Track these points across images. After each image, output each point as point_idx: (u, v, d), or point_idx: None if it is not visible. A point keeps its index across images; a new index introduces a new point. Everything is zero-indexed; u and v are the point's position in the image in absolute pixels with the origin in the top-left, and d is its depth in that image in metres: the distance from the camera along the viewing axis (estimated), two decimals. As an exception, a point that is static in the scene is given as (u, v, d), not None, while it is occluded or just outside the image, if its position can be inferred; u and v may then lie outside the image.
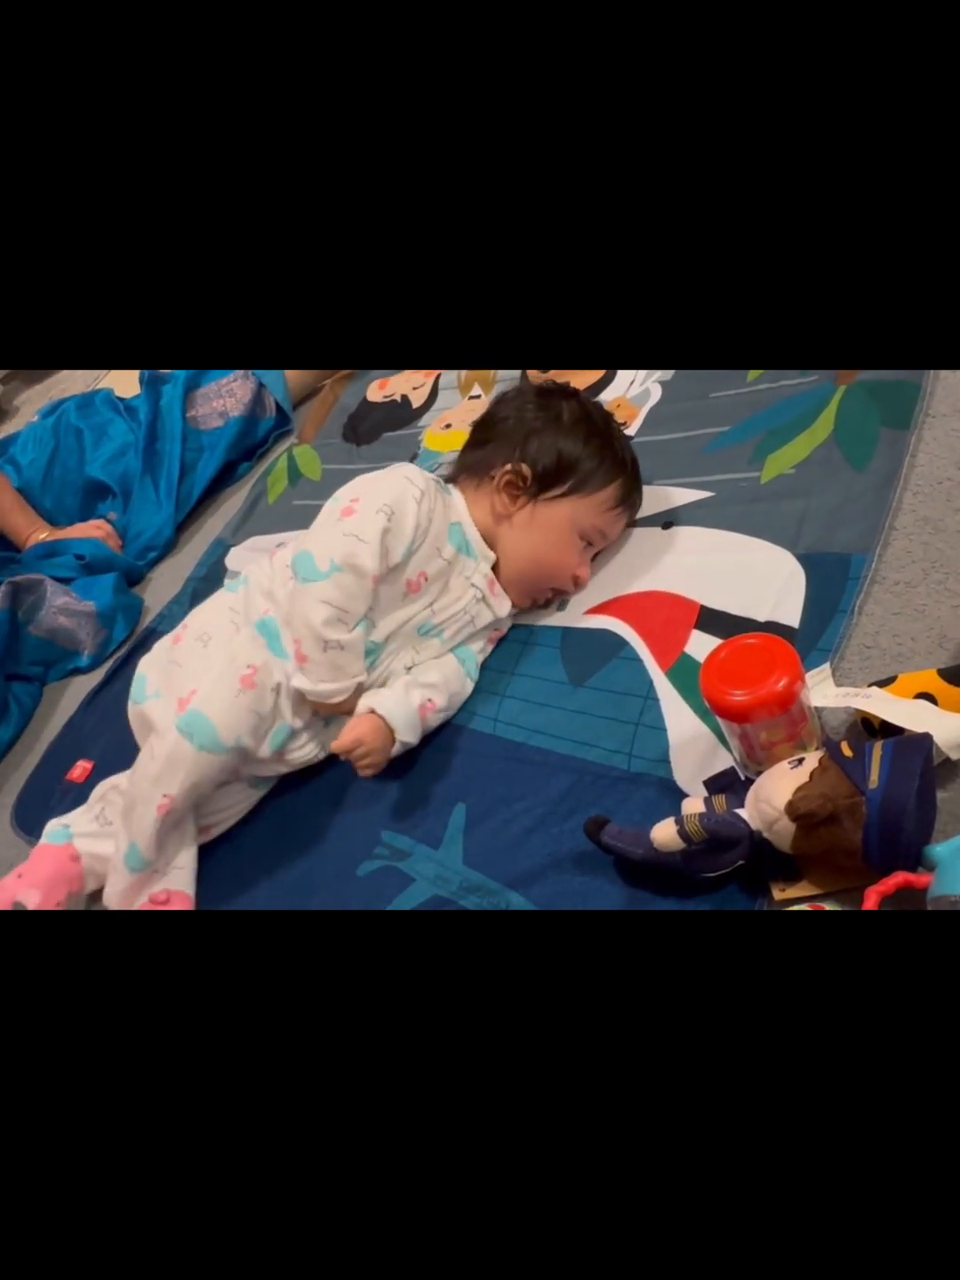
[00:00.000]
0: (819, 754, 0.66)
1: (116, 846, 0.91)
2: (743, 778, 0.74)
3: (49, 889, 0.93)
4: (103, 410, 1.62)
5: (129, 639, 1.40)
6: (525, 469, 0.95)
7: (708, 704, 0.70)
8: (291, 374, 1.61)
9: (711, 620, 0.88)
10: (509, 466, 0.96)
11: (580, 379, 1.26)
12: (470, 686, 0.97)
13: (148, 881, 0.90)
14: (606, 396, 1.22)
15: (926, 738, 0.63)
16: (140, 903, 0.90)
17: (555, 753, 0.87)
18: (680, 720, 0.82)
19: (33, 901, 0.92)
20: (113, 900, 0.91)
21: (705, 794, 0.74)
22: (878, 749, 0.63)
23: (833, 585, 0.84)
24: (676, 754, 0.80)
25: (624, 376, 1.24)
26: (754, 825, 0.66)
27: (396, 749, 0.89)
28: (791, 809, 0.63)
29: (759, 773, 0.70)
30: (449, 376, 1.46)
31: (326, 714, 0.94)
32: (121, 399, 1.63)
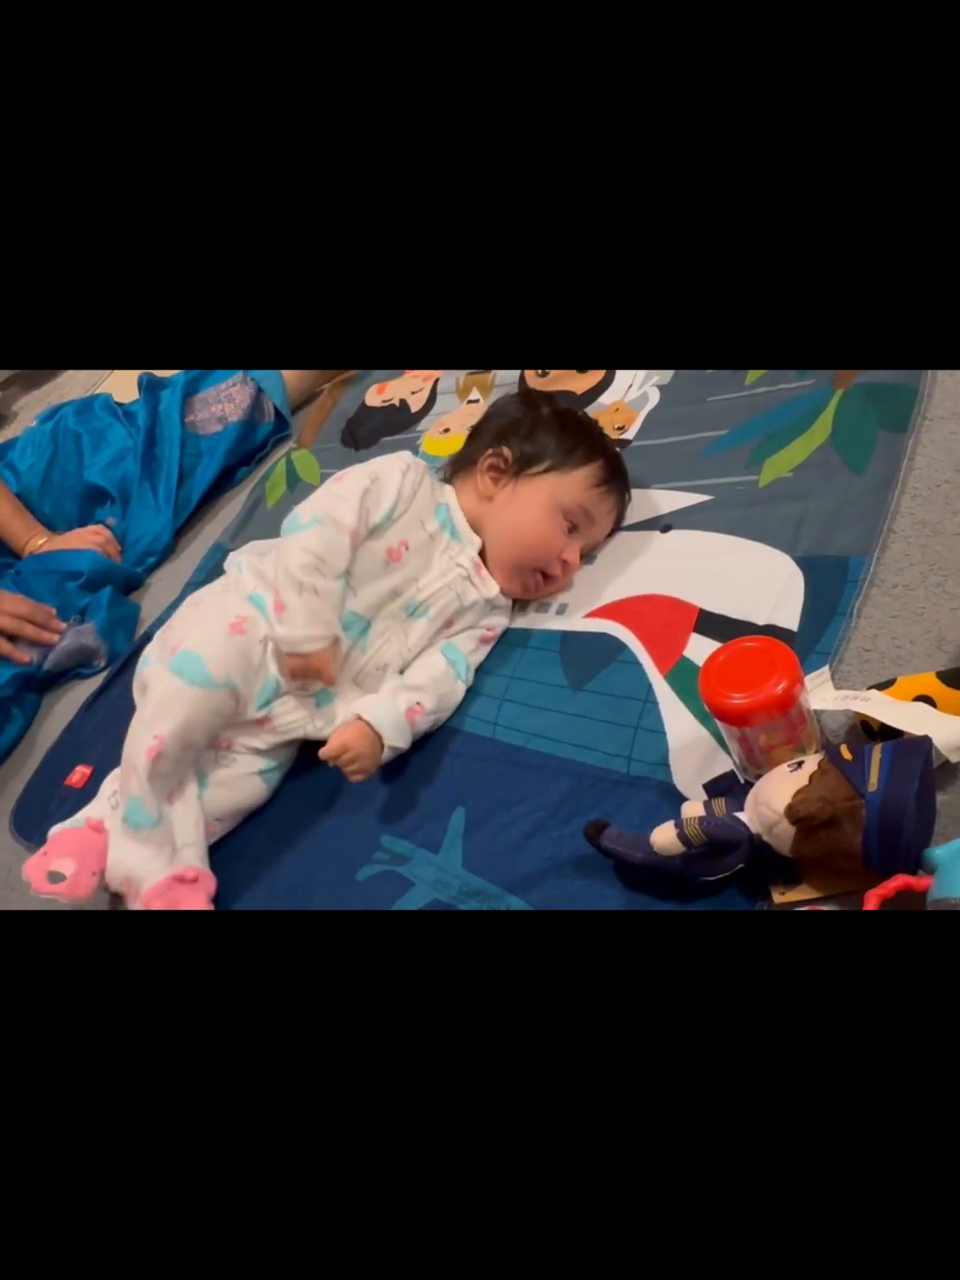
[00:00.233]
0: (818, 757, 0.66)
1: (117, 812, 0.89)
2: (742, 781, 0.74)
3: (81, 858, 0.90)
4: (101, 415, 1.61)
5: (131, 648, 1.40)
6: (507, 451, 1.00)
7: (707, 707, 0.70)
8: (290, 379, 1.61)
9: (710, 623, 0.88)
10: (491, 451, 1.01)
11: (579, 383, 1.27)
12: (462, 690, 0.97)
13: (162, 851, 0.88)
14: (605, 400, 1.23)
15: (926, 740, 0.63)
16: (166, 875, 0.87)
17: (555, 756, 0.87)
18: (680, 724, 0.82)
19: (68, 869, 0.89)
20: (135, 867, 0.87)
21: (705, 797, 0.74)
22: (877, 752, 0.63)
23: (831, 588, 0.84)
24: (676, 757, 0.80)
25: (622, 381, 1.24)
26: (754, 828, 0.66)
27: (386, 754, 0.90)
28: (791, 812, 0.63)
29: (758, 776, 0.70)
30: (447, 381, 1.46)
31: (302, 680, 0.93)
32: (120, 404, 1.63)
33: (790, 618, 0.84)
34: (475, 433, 1.08)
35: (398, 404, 1.49)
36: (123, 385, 1.80)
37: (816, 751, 0.70)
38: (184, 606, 1.04)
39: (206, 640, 0.91)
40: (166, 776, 0.90)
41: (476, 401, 1.39)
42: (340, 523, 0.91)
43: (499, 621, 1.01)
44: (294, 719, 0.96)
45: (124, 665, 1.34)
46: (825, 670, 0.77)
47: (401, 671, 0.98)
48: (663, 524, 1.02)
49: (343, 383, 1.64)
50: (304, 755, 1.00)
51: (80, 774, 1.19)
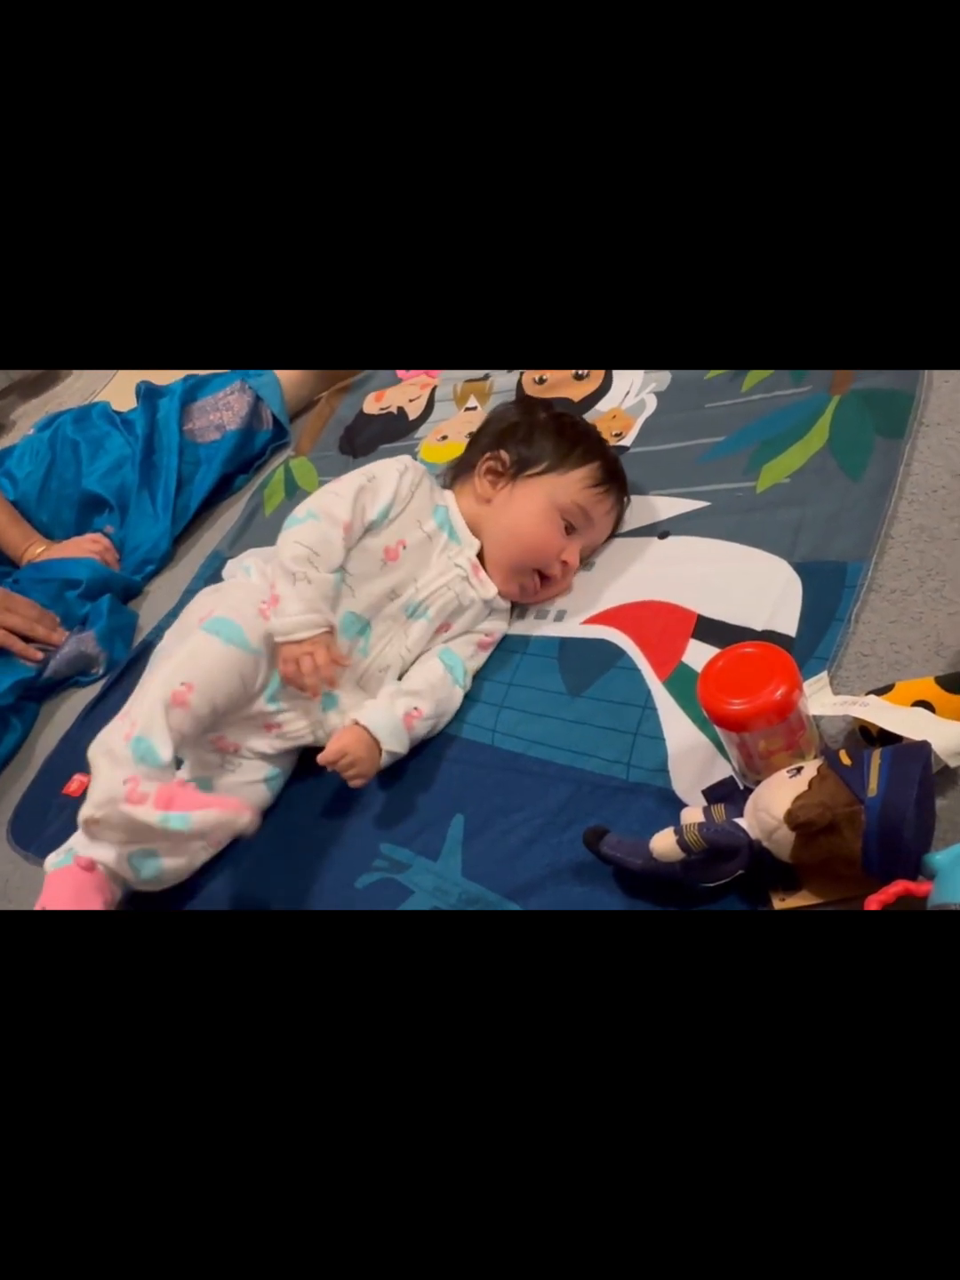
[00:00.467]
0: (817, 763, 0.66)
1: (121, 736, 0.82)
2: (741, 787, 0.74)
3: (78, 905, 0.88)
4: (99, 423, 1.61)
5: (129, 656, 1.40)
6: (504, 455, 1.01)
7: (706, 713, 0.70)
8: (288, 387, 1.62)
9: (709, 629, 0.88)
10: (489, 455, 1.02)
11: (576, 390, 1.27)
12: (460, 695, 0.97)
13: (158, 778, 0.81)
14: (602, 407, 1.23)
15: (925, 746, 0.63)
16: (141, 791, 0.78)
17: (554, 763, 0.87)
18: (678, 730, 0.82)
19: None
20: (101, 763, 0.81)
21: (704, 804, 0.74)
22: (876, 757, 0.63)
23: (829, 594, 0.84)
24: (675, 764, 0.80)
25: (619, 388, 1.24)
26: (753, 834, 0.66)
27: (385, 760, 0.90)
28: (791, 818, 0.63)
29: (758, 782, 0.70)
30: (445, 389, 1.46)
31: (296, 685, 0.89)
32: (118, 412, 1.63)
33: (788, 623, 0.84)
34: (474, 439, 1.09)
35: (395, 412, 1.49)
36: (121, 393, 1.80)
37: (815, 757, 0.70)
38: (202, 594, 1.06)
39: (240, 609, 0.92)
40: (180, 733, 0.84)
41: (474, 409, 1.39)
42: (333, 516, 0.92)
43: (497, 627, 1.01)
44: (300, 725, 0.96)
45: (122, 674, 1.34)
46: (824, 676, 0.77)
47: (400, 675, 0.98)
48: (660, 530, 1.02)
49: (341, 390, 1.64)
50: (302, 763, 1.00)
51: (79, 783, 1.18)
